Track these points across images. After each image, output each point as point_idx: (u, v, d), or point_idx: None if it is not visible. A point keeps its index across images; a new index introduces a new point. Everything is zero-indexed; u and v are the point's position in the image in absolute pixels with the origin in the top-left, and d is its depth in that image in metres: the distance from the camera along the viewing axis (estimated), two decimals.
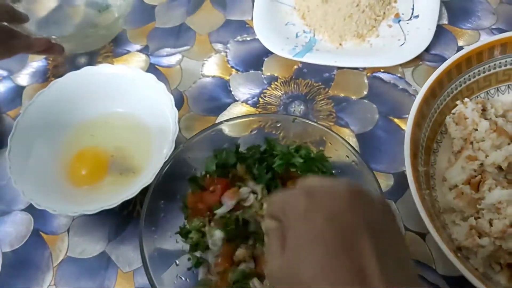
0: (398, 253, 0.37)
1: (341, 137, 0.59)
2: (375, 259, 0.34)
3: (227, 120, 0.63)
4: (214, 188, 0.59)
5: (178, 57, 0.86)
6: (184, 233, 0.59)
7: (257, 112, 0.78)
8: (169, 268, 0.59)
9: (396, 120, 0.74)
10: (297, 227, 0.37)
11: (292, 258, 0.36)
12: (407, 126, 0.61)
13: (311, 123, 0.62)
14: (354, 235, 0.35)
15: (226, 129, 0.64)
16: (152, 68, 0.85)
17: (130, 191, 0.64)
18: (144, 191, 0.61)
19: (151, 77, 0.73)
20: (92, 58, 0.89)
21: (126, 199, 0.62)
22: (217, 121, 0.77)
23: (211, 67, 0.84)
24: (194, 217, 0.59)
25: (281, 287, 0.37)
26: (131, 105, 0.76)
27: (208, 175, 0.61)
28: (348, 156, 0.59)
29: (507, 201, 0.55)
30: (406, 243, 0.41)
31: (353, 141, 0.73)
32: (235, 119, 0.64)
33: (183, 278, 0.59)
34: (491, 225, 0.56)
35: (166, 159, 0.64)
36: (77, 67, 0.79)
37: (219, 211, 0.57)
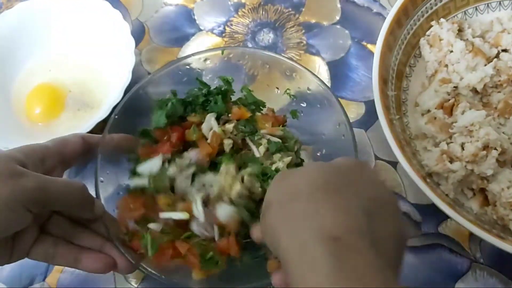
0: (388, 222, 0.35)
1: (304, 67, 0.55)
2: (365, 221, 0.33)
3: (192, 55, 0.58)
4: (168, 137, 0.54)
5: None
6: None
7: (223, 42, 0.73)
8: None
9: (369, 45, 0.70)
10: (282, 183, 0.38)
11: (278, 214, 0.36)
12: (376, 49, 0.57)
13: (275, 55, 0.58)
14: (348, 193, 0.35)
15: (191, 62, 0.59)
16: None
17: (86, 125, 0.60)
18: (105, 126, 0.57)
19: (106, 4, 0.68)
20: None
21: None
22: (180, 52, 0.73)
23: None
24: None
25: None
26: (87, 36, 0.71)
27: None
28: (309, 89, 0.56)
29: (480, 123, 0.52)
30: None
31: (324, 69, 0.69)
32: (201, 53, 0.58)
33: None
34: (463, 149, 0.53)
35: (123, 92, 0.60)
36: None
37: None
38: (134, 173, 0.53)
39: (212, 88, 0.57)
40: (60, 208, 0.46)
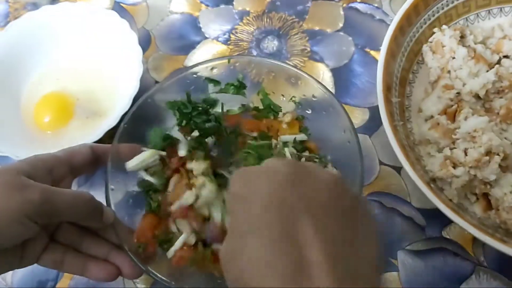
0: (353, 235, 0.33)
1: (309, 75, 0.56)
2: (317, 245, 0.30)
3: (199, 64, 0.59)
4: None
5: None
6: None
7: (229, 50, 0.74)
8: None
9: (372, 52, 0.71)
10: (237, 214, 0.35)
11: (234, 245, 0.34)
12: (380, 56, 0.58)
13: (280, 64, 0.59)
14: (294, 219, 0.32)
15: (198, 71, 0.60)
16: (117, 6, 0.80)
17: (95, 134, 0.61)
18: (113, 134, 0.58)
19: (113, 14, 0.69)
20: None
21: (91, 142, 0.60)
22: (187, 60, 0.74)
23: (179, 3, 0.80)
24: None
25: (227, 271, 0.34)
26: (95, 46, 0.72)
27: None
28: (314, 96, 0.57)
29: (483, 129, 0.53)
30: (369, 219, 0.36)
31: (328, 75, 0.70)
32: (207, 62, 0.59)
33: None
34: (466, 154, 0.54)
35: (132, 101, 0.61)
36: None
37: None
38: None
39: (225, 84, 0.58)
40: (67, 220, 0.47)
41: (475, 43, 0.63)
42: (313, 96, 0.57)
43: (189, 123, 0.56)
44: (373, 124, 0.66)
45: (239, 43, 0.75)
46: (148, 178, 0.54)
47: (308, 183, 0.34)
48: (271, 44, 0.74)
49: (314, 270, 0.30)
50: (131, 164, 0.53)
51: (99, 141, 0.61)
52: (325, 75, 0.70)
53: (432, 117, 0.60)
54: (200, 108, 0.56)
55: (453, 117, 0.58)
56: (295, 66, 0.64)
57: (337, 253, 0.31)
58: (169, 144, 0.55)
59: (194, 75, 0.59)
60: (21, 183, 0.42)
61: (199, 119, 0.55)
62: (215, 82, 0.58)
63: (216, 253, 0.51)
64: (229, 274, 0.34)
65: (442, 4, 0.63)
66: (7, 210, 0.40)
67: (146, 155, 0.53)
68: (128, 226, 0.52)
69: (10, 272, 0.61)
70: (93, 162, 0.52)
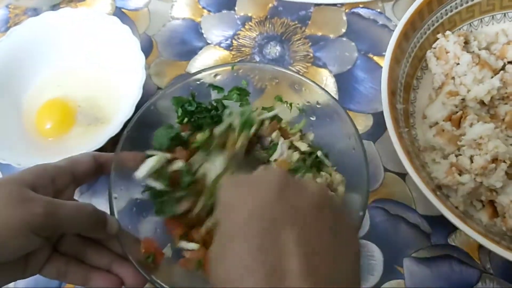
0: (333, 248, 0.34)
1: (312, 81, 0.56)
2: (297, 256, 0.32)
3: (202, 71, 0.58)
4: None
5: None
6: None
7: (231, 55, 0.74)
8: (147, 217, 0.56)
9: (375, 58, 0.71)
10: (223, 222, 0.37)
11: (217, 252, 0.36)
12: (384, 62, 0.58)
13: (284, 70, 0.58)
14: (278, 229, 0.33)
15: (201, 78, 0.60)
16: (118, 12, 0.80)
17: (98, 141, 0.61)
18: (116, 141, 0.58)
19: (115, 20, 0.69)
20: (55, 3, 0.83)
21: (93, 149, 0.59)
22: (189, 66, 0.74)
23: (181, 9, 0.79)
24: None
25: (213, 273, 0.36)
26: (96, 52, 0.71)
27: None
28: (318, 103, 0.56)
29: (488, 136, 0.53)
30: (352, 232, 0.38)
31: (331, 81, 0.70)
32: (211, 69, 0.59)
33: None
34: (471, 161, 0.54)
35: (134, 108, 0.61)
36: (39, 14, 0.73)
37: None
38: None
39: (229, 90, 0.57)
40: (70, 231, 0.47)
41: (479, 49, 0.63)
42: (317, 103, 0.57)
43: (190, 121, 0.56)
44: (377, 130, 0.65)
45: (242, 49, 0.74)
46: (154, 184, 0.53)
47: (295, 195, 0.36)
48: (273, 49, 0.74)
49: (291, 280, 0.31)
50: (141, 173, 0.52)
51: (102, 148, 0.60)
52: (328, 81, 0.70)
53: (436, 123, 0.59)
54: (203, 107, 0.56)
55: (458, 124, 0.58)
56: (298, 72, 0.64)
57: (315, 265, 0.32)
58: (176, 144, 0.55)
59: (198, 82, 0.59)
60: (25, 195, 0.41)
61: (202, 115, 0.56)
62: (219, 88, 0.58)
63: None
64: (214, 276, 0.35)
65: (446, 10, 0.63)
66: (11, 223, 0.39)
67: (155, 161, 0.53)
68: (133, 235, 0.51)
69: (12, 283, 0.61)
70: (95, 171, 0.52)
